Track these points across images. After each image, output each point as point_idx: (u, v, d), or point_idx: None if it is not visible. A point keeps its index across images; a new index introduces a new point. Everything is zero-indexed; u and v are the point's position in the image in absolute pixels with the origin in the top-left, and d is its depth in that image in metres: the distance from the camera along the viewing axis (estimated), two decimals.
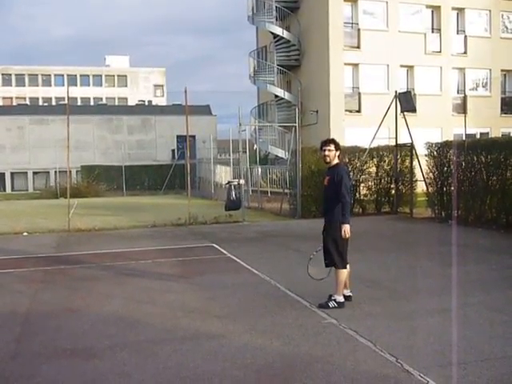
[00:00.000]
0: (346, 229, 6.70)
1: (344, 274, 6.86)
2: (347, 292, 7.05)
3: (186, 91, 16.93)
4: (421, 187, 17.78)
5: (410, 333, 5.86)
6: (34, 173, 42.42)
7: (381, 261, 9.98)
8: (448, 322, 6.14)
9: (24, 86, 75.91)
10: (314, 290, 7.45)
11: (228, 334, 5.88)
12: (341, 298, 6.81)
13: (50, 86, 76.22)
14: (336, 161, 6.96)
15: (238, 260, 10.16)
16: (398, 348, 5.33)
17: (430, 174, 16.47)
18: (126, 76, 79.87)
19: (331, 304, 6.76)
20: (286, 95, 30.41)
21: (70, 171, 21.49)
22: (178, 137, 41.80)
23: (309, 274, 7.36)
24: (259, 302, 7.14)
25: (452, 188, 15.44)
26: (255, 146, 30.75)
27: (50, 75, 76.97)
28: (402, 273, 9.02)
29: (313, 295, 7.25)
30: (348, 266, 6.98)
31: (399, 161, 18.16)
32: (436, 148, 16.18)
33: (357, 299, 7.08)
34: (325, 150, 6.95)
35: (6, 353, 5.47)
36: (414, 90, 27.89)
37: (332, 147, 6.91)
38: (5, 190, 40.64)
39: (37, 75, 76.66)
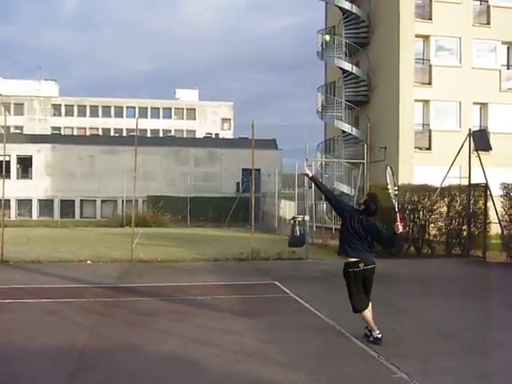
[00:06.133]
0: None
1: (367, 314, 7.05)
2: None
3: (252, 125, 16.87)
4: (495, 229, 16.86)
5: None
6: (103, 201, 43.37)
7: (454, 308, 9.33)
8: None
9: (97, 117, 78.67)
10: (382, 338, 6.93)
11: None
12: (377, 333, 6.90)
13: (122, 117, 78.65)
14: None
15: (301, 300, 9.74)
16: None
17: (506, 215, 15.63)
18: (194, 109, 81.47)
19: (371, 338, 6.94)
20: (354, 131, 29.98)
21: (137, 201, 21.79)
22: (243, 170, 41.92)
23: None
24: (322, 349, 6.71)
25: None
26: None
27: (122, 107, 79.50)
28: (478, 323, 8.36)
29: (381, 344, 6.75)
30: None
31: (472, 201, 17.33)
32: None
33: (430, 351, 6.54)
34: None
35: None
36: (487, 127, 26.86)
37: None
38: (74, 217, 41.66)
39: (110, 107, 79.36)
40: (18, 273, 12.57)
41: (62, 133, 70.79)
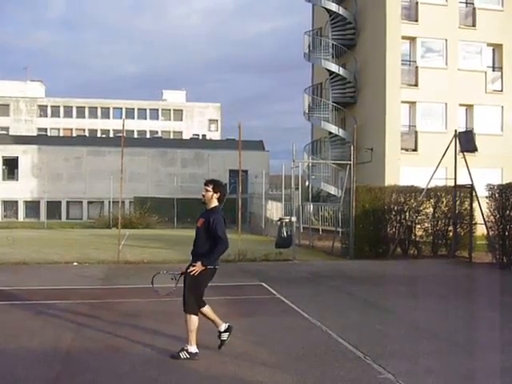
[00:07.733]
0: (198, 267, 6.52)
1: (196, 321, 6.52)
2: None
3: (239, 126, 16.88)
4: (480, 230, 16.99)
5: None
6: (89, 202, 43.13)
7: (439, 309, 9.38)
8: None
9: (84, 118, 78.24)
10: (368, 339, 6.97)
11: None
12: (193, 349, 6.33)
13: (109, 118, 78.28)
14: (214, 204, 6.54)
15: (288, 301, 9.74)
16: None
17: (491, 216, 15.72)
18: (181, 110, 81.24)
19: (182, 355, 6.29)
20: (341, 132, 30.08)
21: (123, 202, 21.59)
22: (230, 171, 41.88)
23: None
24: (309, 350, 6.71)
25: None
26: (307, 183, 30.41)
27: (108, 108, 79.14)
28: (463, 323, 8.41)
29: (367, 345, 6.78)
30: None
31: (458, 202, 17.46)
32: (498, 190, 15.47)
33: (415, 352, 6.56)
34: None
35: None
36: (473, 129, 27.07)
37: (209, 188, 6.49)
38: (60, 219, 41.36)
39: (96, 108, 78.96)
40: (4, 274, 12.45)
41: (49, 134, 70.31)
